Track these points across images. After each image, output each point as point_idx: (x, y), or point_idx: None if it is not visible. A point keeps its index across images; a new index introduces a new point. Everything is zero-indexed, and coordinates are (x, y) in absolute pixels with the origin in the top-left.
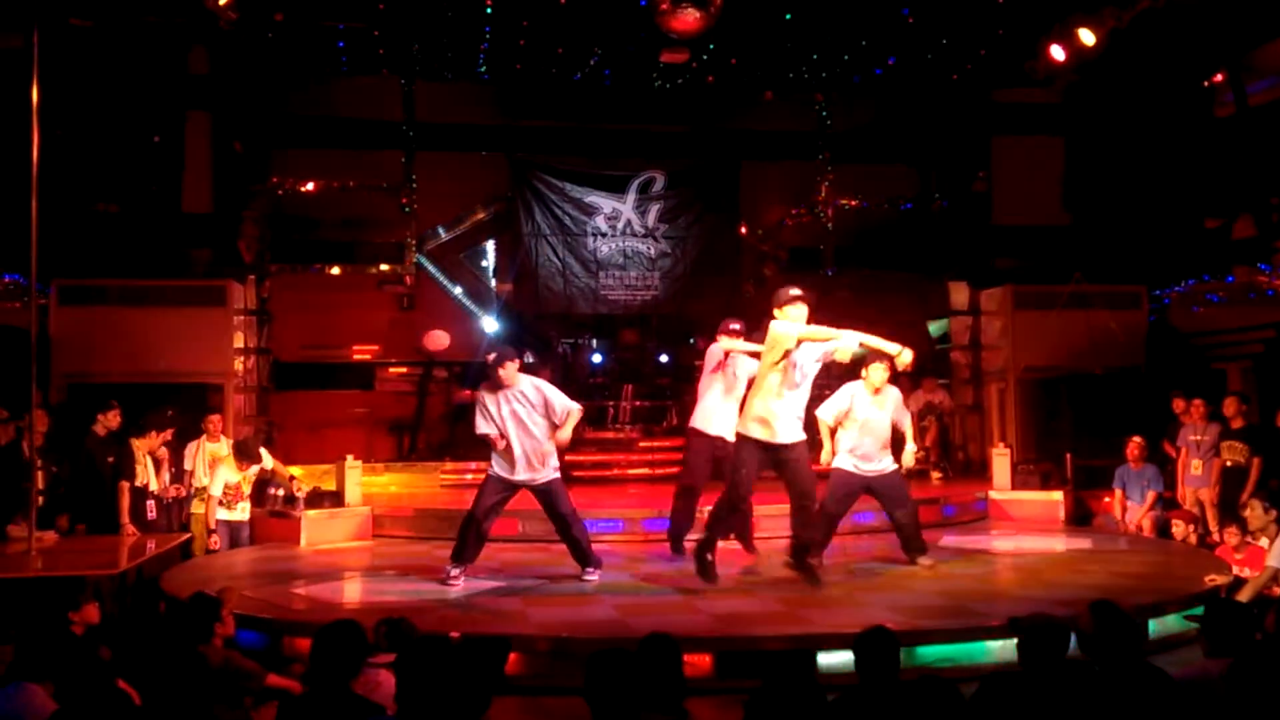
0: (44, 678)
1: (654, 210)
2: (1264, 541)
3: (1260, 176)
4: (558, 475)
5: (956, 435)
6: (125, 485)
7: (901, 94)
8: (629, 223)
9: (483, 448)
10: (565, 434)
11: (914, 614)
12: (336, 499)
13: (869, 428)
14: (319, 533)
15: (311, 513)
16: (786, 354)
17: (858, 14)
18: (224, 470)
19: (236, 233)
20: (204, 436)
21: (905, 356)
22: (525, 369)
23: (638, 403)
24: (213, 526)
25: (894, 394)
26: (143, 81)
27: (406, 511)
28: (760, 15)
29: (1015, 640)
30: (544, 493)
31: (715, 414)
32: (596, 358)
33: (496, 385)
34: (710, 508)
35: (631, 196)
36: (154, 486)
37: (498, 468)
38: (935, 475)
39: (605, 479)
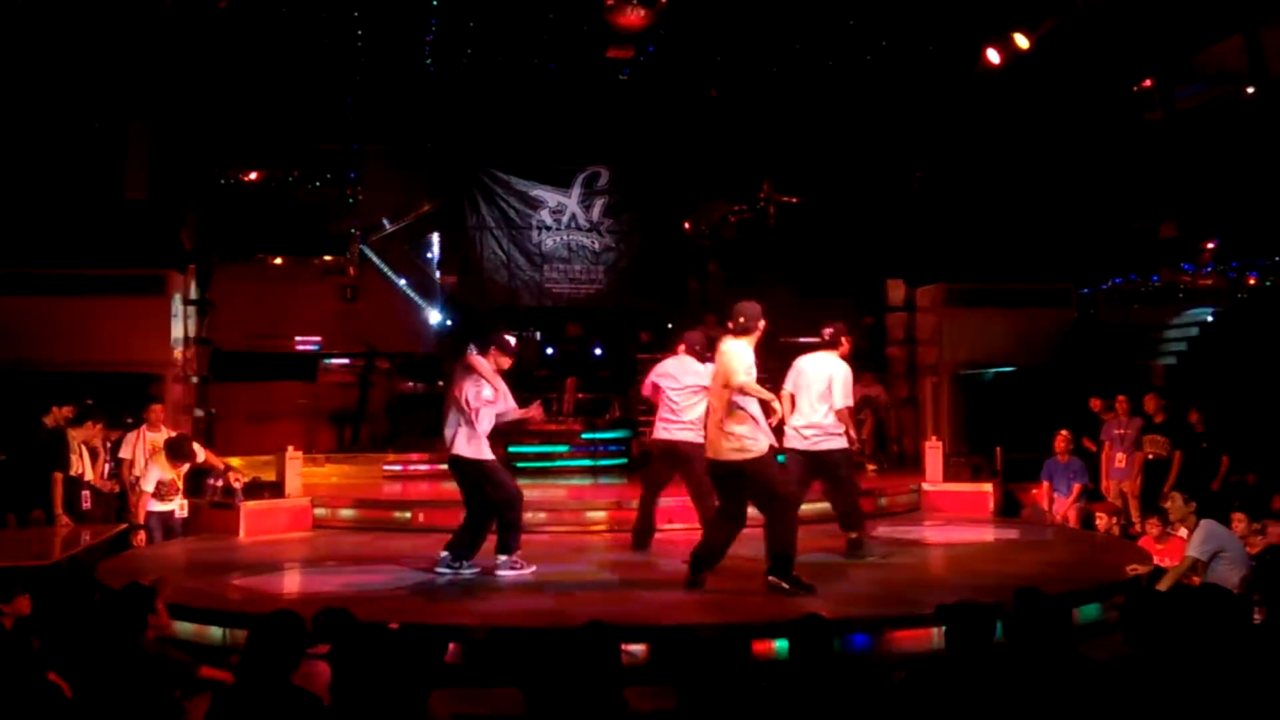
0: None
1: (598, 205)
2: (1183, 532)
3: (1186, 180)
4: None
5: (892, 428)
6: (59, 476)
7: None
8: (574, 217)
9: (425, 440)
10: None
11: (847, 602)
12: (277, 490)
13: None
14: (259, 524)
15: (251, 503)
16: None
17: (800, 14)
18: (155, 469)
19: (178, 222)
20: (144, 426)
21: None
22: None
23: (580, 395)
24: (142, 522)
25: None
26: (83, 68)
27: (347, 503)
28: (705, 12)
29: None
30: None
31: None
32: (549, 350)
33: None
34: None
35: (576, 191)
36: (89, 476)
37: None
38: (870, 467)
39: (548, 470)
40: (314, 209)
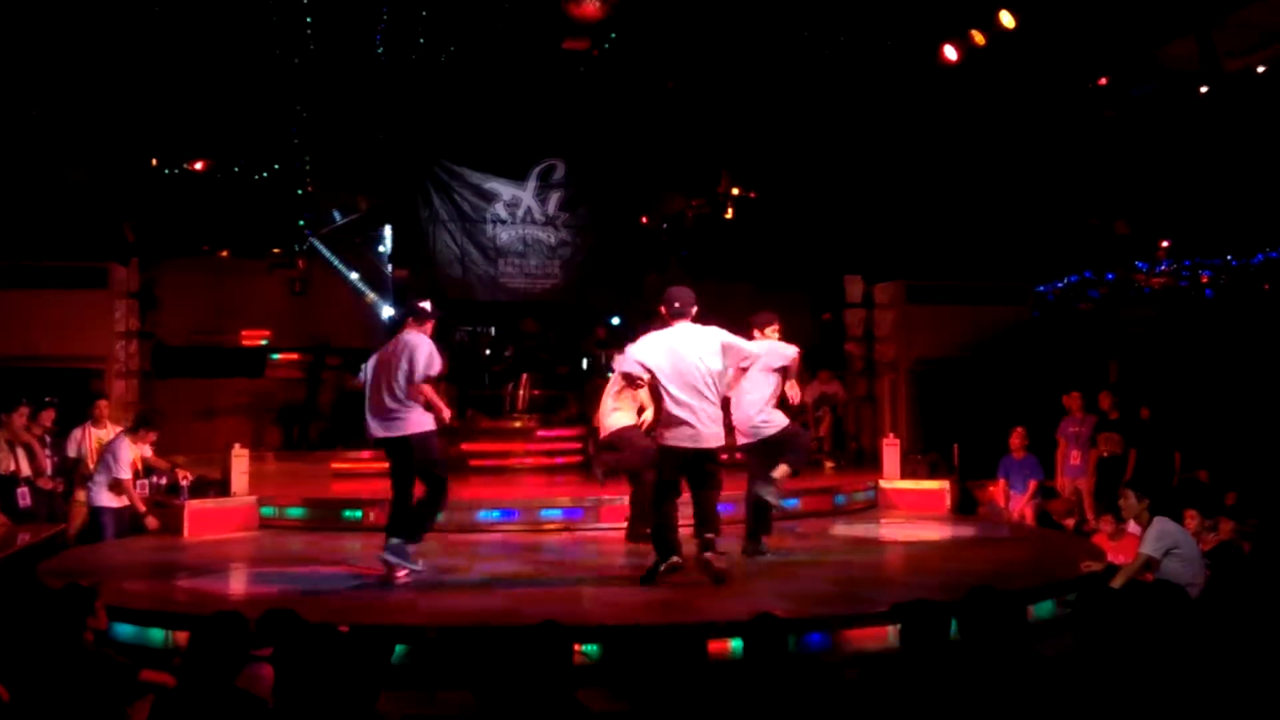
0: None
1: (554, 198)
2: (1137, 529)
3: (1140, 177)
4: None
5: (850, 425)
6: None
7: (801, 86)
8: (529, 210)
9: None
10: None
11: (802, 601)
12: (222, 488)
13: None
14: (204, 523)
15: (196, 502)
16: None
17: (757, 9)
18: (126, 450)
19: (120, 213)
20: (89, 423)
21: None
22: None
23: (536, 391)
24: (142, 510)
25: None
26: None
27: (295, 501)
28: (662, 4)
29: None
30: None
31: None
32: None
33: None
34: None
35: (532, 184)
36: (26, 473)
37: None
38: (828, 465)
39: (502, 468)
40: (262, 200)
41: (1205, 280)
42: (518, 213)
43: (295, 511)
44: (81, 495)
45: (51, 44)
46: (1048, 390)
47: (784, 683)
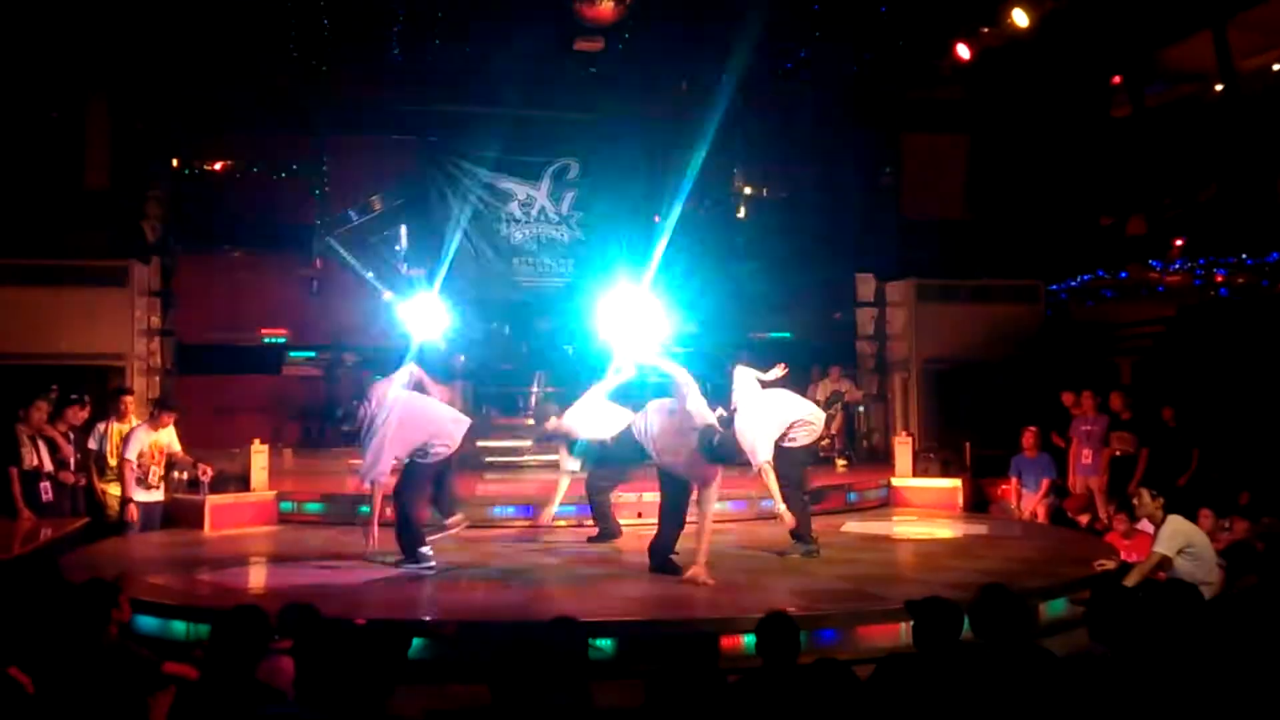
0: None
1: (568, 197)
2: (1150, 528)
3: (1153, 176)
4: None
5: (861, 424)
6: (14, 471)
7: (812, 87)
8: (543, 209)
9: None
10: None
11: (815, 598)
12: (242, 484)
13: None
14: (224, 518)
15: (216, 497)
16: None
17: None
18: (138, 436)
19: (140, 213)
20: (113, 417)
21: None
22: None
23: (549, 389)
24: (130, 496)
25: None
26: (42, 55)
27: (313, 497)
28: (674, 6)
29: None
30: None
31: None
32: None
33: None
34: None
35: (546, 183)
36: (49, 468)
37: None
38: (840, 463)
39: (517, 465)
40: (279, 200)
41: (1220, 279)
42: (532, 211)
43: (313, 507)
44: (115, 489)
45: (73, 45)
46: (1060, 389)
47: (797, 679)
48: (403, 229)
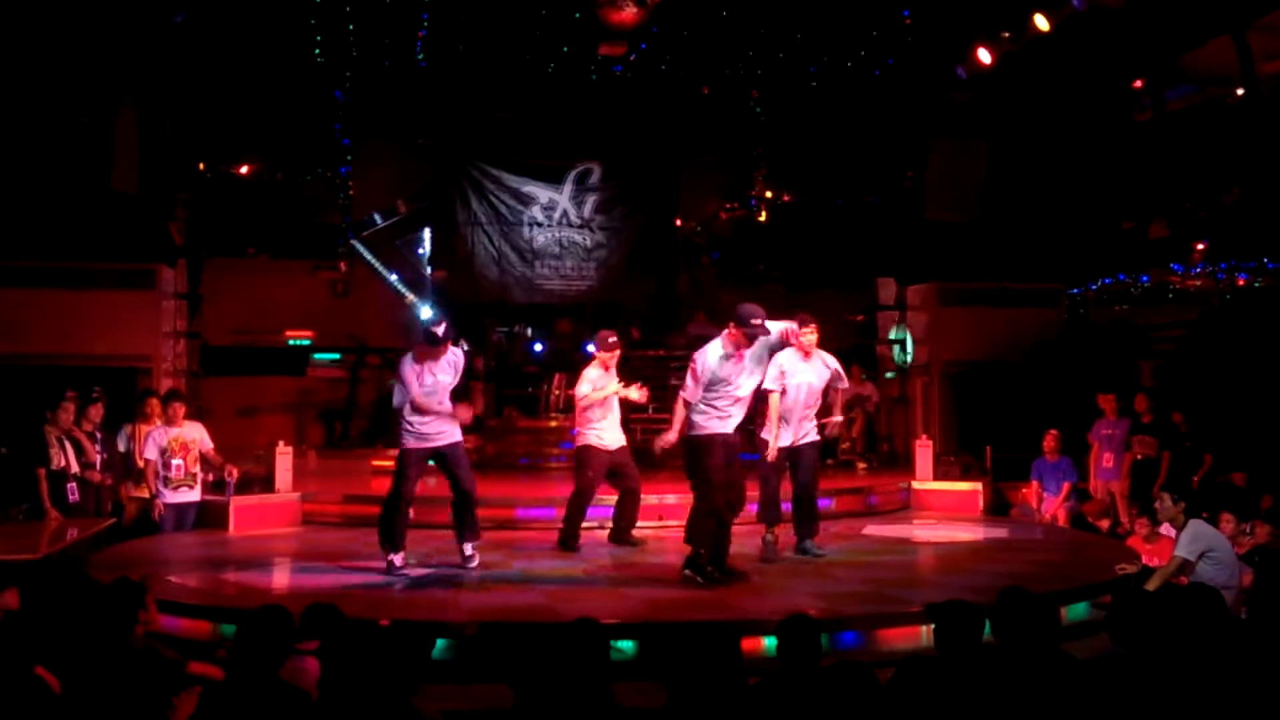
0: None
1: (590, 201)
2: (1172, 532)
3: (1175, 180)
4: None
5: (882, 427)
6: (41, 471)
7: (835, 92)
8: (565, 213)
9: None
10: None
11: (836, 600)
12: (267, 485)
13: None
14: (248, 519)
15: (241, 498)
16: None
17: (792, 12)
18: (155, 436)
19: (167, 216)
20: (139, 420)
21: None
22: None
23: (570, 391)
24: (155, 492)
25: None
26: (70, 59)
27: (337, 498)
28: (697, 11)
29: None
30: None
31: None
32: (538, 346)
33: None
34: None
35: (568, 187)
36: (75, 469)
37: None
38: (861, 466)
39: (540, 467)
40: (305, 203)
41: (1241, 283)
42: (554, 215)
43: (337, 508)
44: (138, 491)
45: (103, 52)
46: (1081, 393)
47: (818, 681)
48: (426, 232)
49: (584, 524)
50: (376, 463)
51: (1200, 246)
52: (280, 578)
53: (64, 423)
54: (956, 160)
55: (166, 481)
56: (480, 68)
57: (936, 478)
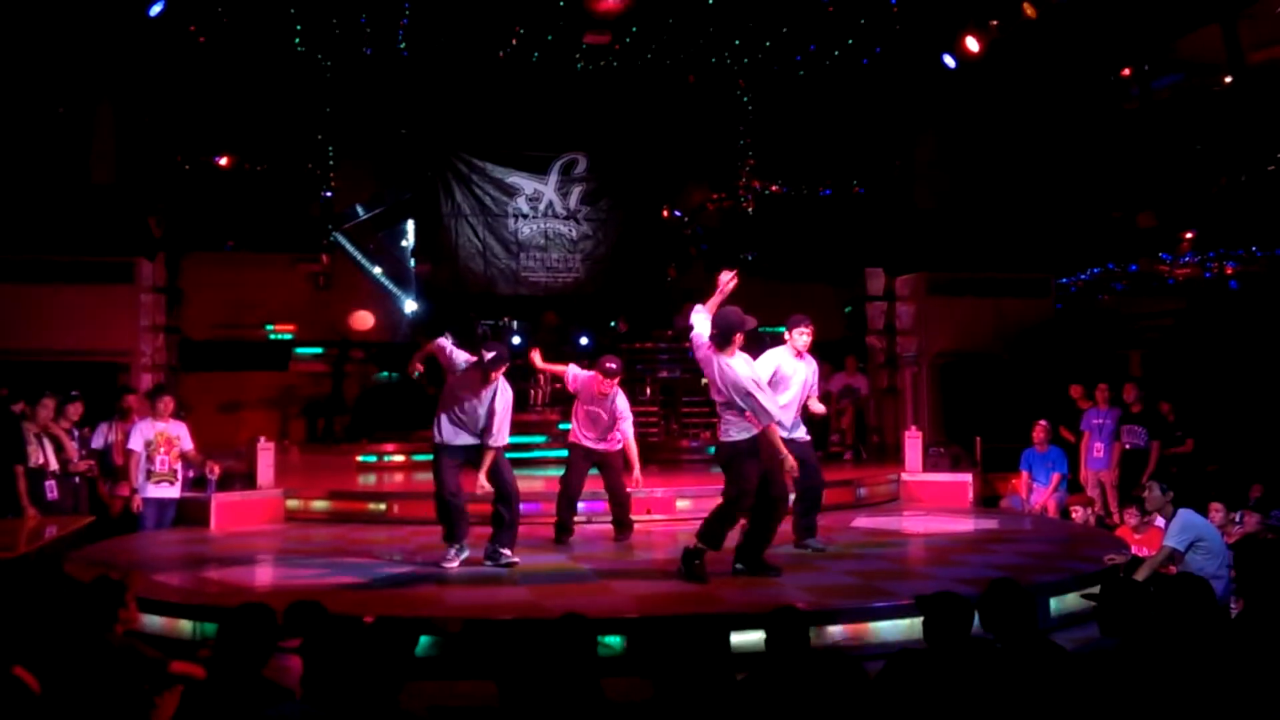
0: None
1: (576, 192)
2: (1161, 522)
3: (1163, 169)
4: None
5: (872, 418)
6: (20, 469)
7: (821, 81)
8: (551, 204)
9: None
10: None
11: (825, 593)
12: (248, 481)
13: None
14: (230, 516)
15: (223, 495)
16: None
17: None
18: (140, 429)
19: (146, 208)
20: (116, 418)
21: None
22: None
23: (557, 385)
24: (136, 486)
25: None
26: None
27: (320, 494)
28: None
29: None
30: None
31: None
32: (516, 339)
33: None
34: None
35: (553, 178)
36: (54, 465)
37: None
38: (849, 457)
39: (523, 462)
40: (286, 196)
41: (1230, 272)
42: (539, 206)
43: (320, 504)
44: (120, 489)
45: (79, 41)
46: (1070, 383)
47: (806, 674)
48: (409, 224)
49: (575, 518)
50: (361, 458)
51: (1188, 235)
52: (263, 575)
53: (42, 419)
54: (944, 150)
55: (149, 475)
56: (463, 57)
57: (926, 469)
